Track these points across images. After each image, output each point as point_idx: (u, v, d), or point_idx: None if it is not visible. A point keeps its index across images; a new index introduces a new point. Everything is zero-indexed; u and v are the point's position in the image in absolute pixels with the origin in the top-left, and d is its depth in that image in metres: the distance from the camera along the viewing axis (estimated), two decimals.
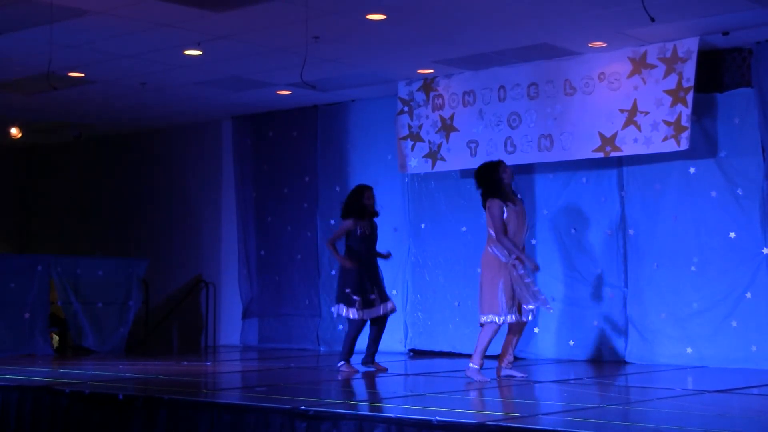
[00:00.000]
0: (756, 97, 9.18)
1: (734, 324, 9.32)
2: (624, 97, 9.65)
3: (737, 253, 9.35)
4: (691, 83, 9.25)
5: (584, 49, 9.75)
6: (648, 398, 7.12)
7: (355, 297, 9.10)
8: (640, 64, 9.56)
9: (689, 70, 9.26)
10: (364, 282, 9.15)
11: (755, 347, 9.17)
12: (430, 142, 11.02)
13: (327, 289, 12.11)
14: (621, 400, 7.02)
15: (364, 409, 6.76)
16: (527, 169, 10.57)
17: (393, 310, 9.38)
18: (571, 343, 10.29)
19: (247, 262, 12.98)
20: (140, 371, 9.39)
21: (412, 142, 11.16)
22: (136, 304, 12.61)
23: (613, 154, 9.75)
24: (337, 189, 12.15)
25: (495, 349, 8.64)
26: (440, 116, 10.94)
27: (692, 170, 9.63)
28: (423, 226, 11.46)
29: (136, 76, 10.90)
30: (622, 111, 9.64)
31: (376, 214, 9.45)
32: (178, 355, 11.59)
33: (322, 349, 12.15)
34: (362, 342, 9.40)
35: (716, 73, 9.59)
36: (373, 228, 9.40)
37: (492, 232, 8.30)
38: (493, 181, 8.41)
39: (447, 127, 10.87)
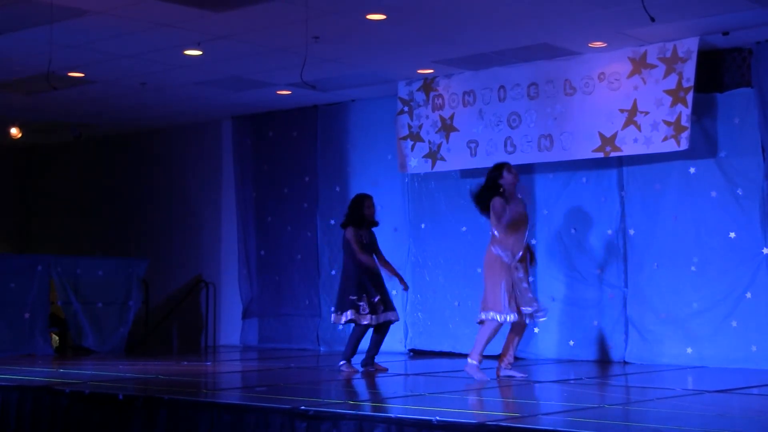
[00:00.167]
0: (756, 97, 9.18)
1: (734, 324, 9.32)
2: (624, 97, 9.65)
3: (737, 253, 9.34)
4: (691, 83, 9.25)
5: (584, 49, 9.75)
6: (648, 398, 7.11)
7: (360, 303, 9.10)
8: (640, 64, 9.56)
9: (689, 70, 9.26)
10: (368, 288, 9.14)
11: (755, 347, 9.17)
12: (430, 142, 11.02)
13: (327, 289, 12.11)
14: (621, 400, 7.02)
15: (364, 409, 6.76)
16: (527, 169, 10.56)
17: (396, 320, 9.36)
18: (571, 343, 10.29)
19: (247, 262, 12.98)
20: (140, 371, 9.39)
21: (412, 142, 11.16)
22: (136, 304, 12.61)
23: (613, 154, 9.76)
24: (337, 189, 12.15)
25: (495, 349, 8.64)
26: (440, 116, 10.94)
27: (692, 170, 9.63)
28: (423, 226, 11.46)
29: (136, 76, 10.90)
30: (622, 111, 9.64)
31: (376, 224, 9.44)
32: (178, 355, 11.59)
33: (322, 349, 12.15)
34: (363, 343, 9.41)
35: (716, 73, 9.59)
36: (372, 237, 9.39)
37: (495, 232, 8.31)
38: (490, 186, 8.47)
39: (447, 127, 10.87)
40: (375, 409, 6.83)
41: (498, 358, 8.61)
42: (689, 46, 9.26)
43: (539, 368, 9.55)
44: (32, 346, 11.66)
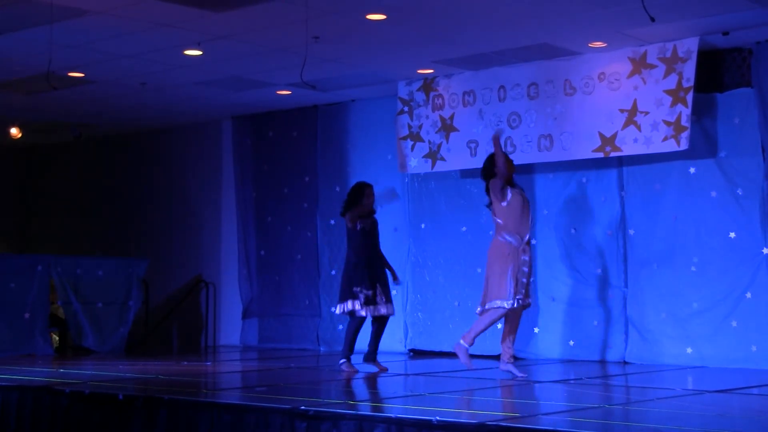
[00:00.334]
0: (756, 97, 9.18)
1: (734, 324, 9.32)
2: (624, 97, 9.65)
3: (737, 253, 9.35)
4: (691, 83, 9.25)
5: (584, 49, 9.75)
6: (648, 398, 7.11)
7: (359, 294, 9.09)
8: (640, 64, 9.56)
9: (689, 70, 9.26)
10: (365, 280, 9.13)
11: (755, 347, 9.17)
12: (430, 142, 11.02)
13: (327, 289, 12.11)
14: (621, 400, 7.02)
15: (364, 409, 6.76)
16: (527, 169, 10.56)
17: (389, 314, 9.35)
18: (571, 343, 10.29)
19: (247, 262, 12.98)
20: (140, 371, 9.39)
21: (412, 142, 11.16)
22: (136, 304, 12.61)
23: (613, 154, 9.76)
24: (337, 189, 12.15)
25: (495, 348, 8.63)
26: (440, 116, 10.94)
27: (692, 170, 9.63)
28: (423, 226, 11.46)
29: (136, 76, 10.91)
30: (622, 111, 9.64)
31: (374, 212, 9.45)
32: (178, 355, 11.59)
33: (322, 349, 12.15)
34: (364, 342, 9.42)
35: (716, 73, 9.59)
36: (374, 224, 9.40)
37: (499, 220, 8.39)
38: (489, 171, 8.63)
39: (447, 127, 10.87)
40: (375, 409, 6.83)
41: (498, 357, 8.62)
42: (689, 46, 9.26)
43: (539, 368, 9.55)
44: (32, 346, 11.66)
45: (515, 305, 8.30)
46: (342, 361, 9.25)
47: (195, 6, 8.35)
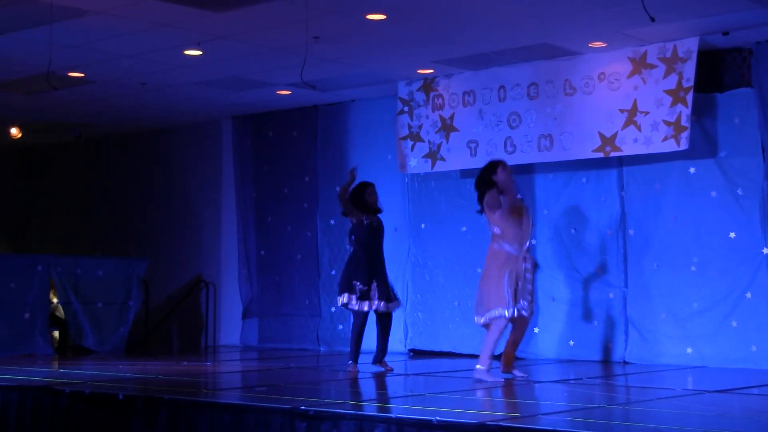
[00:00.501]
0: (756, 97, 9.18)
1: (734, 324, 9.32)
2: (624, 97, 9.65)
3: (737, 253, 9.35)
4: (691, 83, 9.25)
5: (584, 49, 9.75)
6: (648, 398, 7.11)
7: (356, 289, 9.11)
8: (640, 64, 9.56)
9: (689, 70, 9.26)
10: (363, 275, 9.15)
11: (755, 347, 9.17)
12: (430, 142, 11.02)
13: (327, 289, 12.12)
14: (621, 400, 7.02)
15: (364, 409, 6.76)
16: (527, 169, 10.57)
17: (385, 311, 9.31)
18: (571, 343, 10.29)
19: (247, 262, 12.98)
20: (140, 371, 9.39)
21: (412, 142, 11.16)
22: (136, 304, 12.61)
23: (613, 154, 9.76)
24: (337, 189, 12.13)
25: (497, 349, 8.62)
26: (440, 116, 10.94)
27: (692, 170, 9.63)
28: (423, 226, 11.46)
29: (136, 76, 10.91)
30: (622, 111, 9.64)
31: (379, 211, 9.46)
32: (178, 355, 11.59)
33: (322, 349, 12.15)
34: (373, 342, 9.45)
35: (716, 73, 9.59)
36: (380, 223, 9.41)
37: (495, 230, 8.25)
38: (484, 181, 8.42)
39: (447, 127, 10.87)
40: (375, 409, 6.83)
41: (498, 357, 8.60)
42: (689, 46, 9.26)
43: (539, 368, 9.55)
44: (32, 346, 11.66)
45: (516, 314, 8.13)
46: (349, 362, 9.28)
47: (195, 6, 8.35)
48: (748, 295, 9.26)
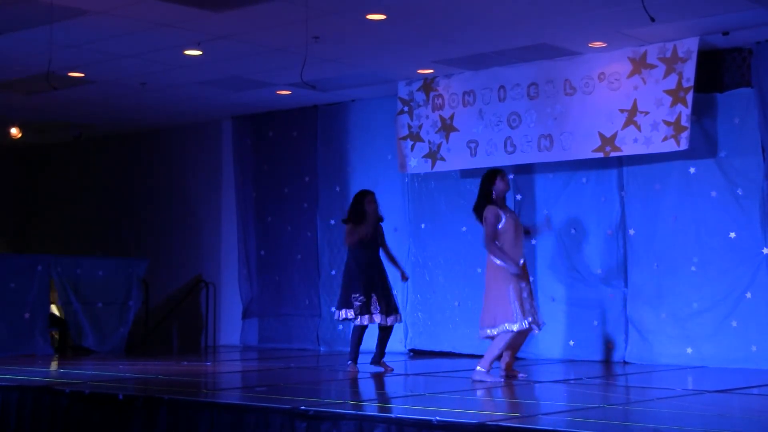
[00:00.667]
0: (756, 97, 9.18)
1: (734, 324, 9.32)
2: (624, 97, 9.65)
3: (737, 253, 9.35)
4: (691, 83, 9.25)
5: (584, 49, 9.75)
6: (648, 398, 7.12)
7: (356, 302, 9.12)
8: (640, 64, 9.56)
9: (689, 70, 9.26)
10: (363, 288, 9.15)
11: (755, 347, 9.17)
12: (429, 142, 11.02)
13: (327, 289, 12.12)
14: (621, 400, 7.02)
15: (364, 409, 6.76)
16: (527, 169, 10.58)
17: (386, 324, 9.28)
18: (571, 343, 10.29)
19: (247, 262, 12.98)
20: (140, 371, 9.39)
21: (412, 142, 11.16)
22: (136, 304, 12.61)
23: (613, 154, 9.75)
24: (337, 189, 12.15)
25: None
26: (440, 116, 10.94)
27: (692, 170, 9.63)
28: (423, 226, 11.46)
29: (136, 76, 10.91)
30: (622, 111, 9.64)
31: (381, 220, 9.44)
32: (178, 355, 11.59)
33: (322, 349, 12.15)
34: (372, 342, 9.45)
35: (716, 73, 9.59)
36: (377, 233, 9.39)
37: (496, 243, 8.23)
38: (483, 194, 8.39)
39: (447, 127, 10.87)
40: (375, 409, 6.83)
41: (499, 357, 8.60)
42: (689, 46, 9.26)
43: (539, 368, 9.55)
44: (32, 346, 11.66)
45: (526, 326, 8.08)
46: (348, 362, 9.29)
47: (195, 6, 8.35)
48: (748, 295, 9.26)
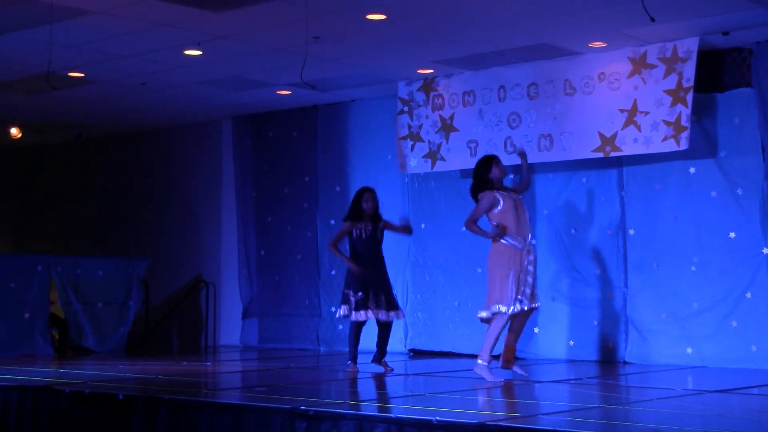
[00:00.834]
0: (756, 97, 9.18)
1: (734, 324, 9.32)
2: (624, 97, 9.65)
3: (737, 253, 9.35)
4: (691, 83, 9.25)
5: (584, 49, 9.75)
6: (648, 398, 7.12)
7: (352, 297, 9.13)
8: (640, 64, 9.56)
9: (689, 70, 9.26)
10: (358, 284, 9.15)
11: (755, 347, 9.17)
12: (429, 142, 11.02)
13: (327, 289, 12.12)
14: (621, 400, 7.02)
15: (364, 409, 6.76)
16: None
17: (385, 320, 9.28)
18: (571, 343, 10.29)
19: (247, 262, 12.98)
20: (140, 371, 9.39)
21: (412, 142, 11.17)
22: (136, 304, 12.61)
23: (613, 154, 9.76)
24: (337, 189, 12.15)
25: (497, 349, 8.62)
26: (440, 116, 10.94)
27: (692, 170, 9.63)
28: (423, 226, 11.45)
29: (136, 76, 10.91)
30: (622, 111, 9.64)
31: (377, 217, 9.42)
32: (178, 355, 11.59)
33: (322, 349, 12.15)
34: (372, 342, 9.44)
35: (716, 73, 9.59)
36: (375, 230, 9.38)
37: (495, 224, 8.25)
38: (481, 180, 8.43)
39: (447, 127, 10.87)
40: (375, 409, 6.83)
41: (500, 356, 8.59)
42: (689, 46, 9.26)
43: (539, 368, 9.55)
44: (32, 346, 11.65)
45: (517, 310, 8.14)
46: (348, 362, 9.29)
47: (195, 6, 8.35)
48: (748, 295, 9.26)
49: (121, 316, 12.43)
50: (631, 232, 10.01)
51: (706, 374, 8.90)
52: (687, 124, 9.25)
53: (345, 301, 9.19)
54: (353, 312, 9.12)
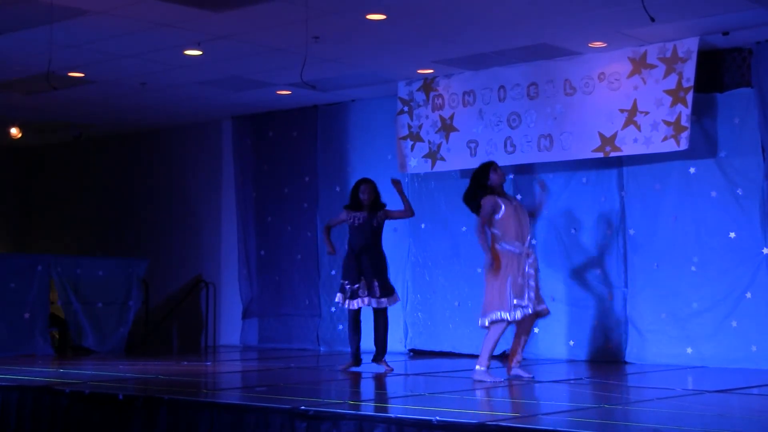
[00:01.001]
0: (756, 97, 9.18)
1: (734, 324, 9.32)
2: (624, 97, 9.65)
3: (737, 253, 9.35)
4: (691, 83, 9.25)
5: (584, 49, 9.75)
6: (648, 398, 7.12)
7: (347, 287, 9.18)
8: (640, 64, 9.56)
9: (689, 70, 9.26)
10: (352, 274, 9.20)
11: (755, 347, 9.17)
12: (429, 142, 11.02)
13: (327, 289, 12.11)
14: (621, 400, 7.02)
15: (364, 409, 6.76)
16: (527, 169, 10.58)
17: (377, 307, 9.26)
18: (571, 343, 10.29)
19: (247, 262, 12.98)
20: (140, 371, 9.39)
21: (411, 142, 11.17)
22: (136, 304, 12.61)
23: (613, 154, 9.76)
24: (337, 189, 12.15)
25: (498, 349, 8.62)
26: (440, 116, 10.94)
27: (692, 170, 9.63)
28: (423, 226, 11.45)
29: (136, 76, 10.91)
30: (622, 111, 9.64)
31: (375, 207, 9.40)
32: (178, 355, 11.59)
33: (322, 349, 12.15)
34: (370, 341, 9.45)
35: (716, 73, 9.59)
36: (372, 219, 9.36)
37: (495, 230, 8.23)
38: (479, 186, 8.40)
39: (447, 127, 10.87)
40: (375, 409, 6.83)
41: (506, 357, 8.57)
42: (689, 46, 9.26)
43: (539, 368, 9.55)
44: (32, 346, 11.66)
45: (519, 317, 8.09)
46: (348, 362, 9.31)
47: (195, 6, 8.35)
48: (748, 295, 9.26)
49: (121, 316, 12.43)
50: (631, 232, 10.01)
51: (706, 374, 8.90)
52: (687, 124, 9.25)
53: (341, 290, 9.30)
54: (348, 300, 9.18)
